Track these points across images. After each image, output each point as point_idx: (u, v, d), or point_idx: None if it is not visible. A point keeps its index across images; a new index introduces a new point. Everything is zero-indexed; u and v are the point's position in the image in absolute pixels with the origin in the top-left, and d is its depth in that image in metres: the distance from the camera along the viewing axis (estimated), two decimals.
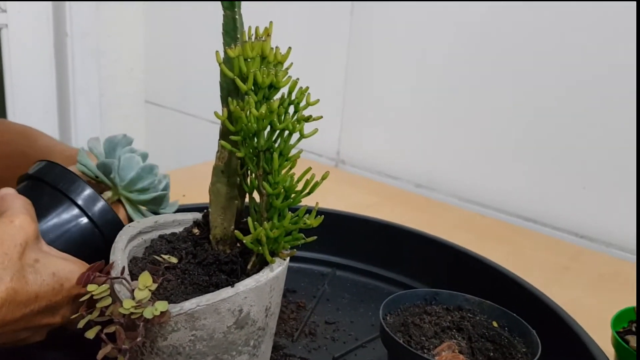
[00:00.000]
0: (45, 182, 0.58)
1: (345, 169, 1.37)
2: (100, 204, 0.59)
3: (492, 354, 0.59)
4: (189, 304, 0.45)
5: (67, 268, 0.51)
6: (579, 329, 0.62)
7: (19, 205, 0.51)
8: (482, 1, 1.09)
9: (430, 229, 0.84)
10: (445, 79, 1.19)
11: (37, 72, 1.42)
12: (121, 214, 0.62)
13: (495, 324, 0.61)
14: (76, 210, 0.58)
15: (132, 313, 0.44)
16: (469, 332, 0.61)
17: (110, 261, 0.49)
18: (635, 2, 0.90)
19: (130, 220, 0.61)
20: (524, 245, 0.99)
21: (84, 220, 0.58)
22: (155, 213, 0.64)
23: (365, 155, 1.35)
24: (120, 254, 0.50)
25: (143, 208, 0.64)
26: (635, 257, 0.95)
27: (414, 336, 0.59)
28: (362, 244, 0.84)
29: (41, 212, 0.55)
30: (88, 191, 0.58)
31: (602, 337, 0.62)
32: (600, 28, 0.97)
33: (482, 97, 1.14)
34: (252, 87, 0.48)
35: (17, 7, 1.35)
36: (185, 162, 1.33)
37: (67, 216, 0.58)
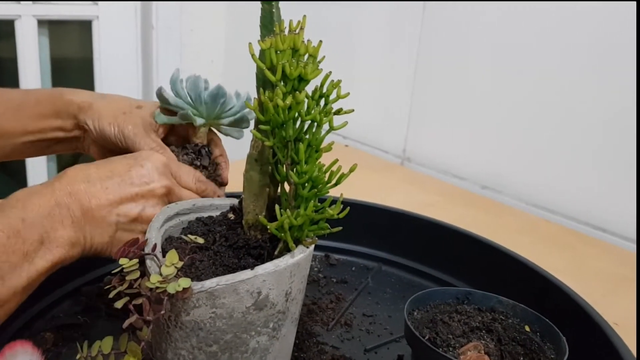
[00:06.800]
0: None
1: (411, 167, 1.36)
2: None
3: (521, 358, 0.57)
4: (210, 283, 0.47)
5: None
6: (611, 332, 0.59)
7: None
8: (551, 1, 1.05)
9: (492, 231, 0.82)
10: (517, 80, 1.16)
11: (124, 62, 1.50)
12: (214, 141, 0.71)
13: (527, 328, 0.59)
14: None
15: (157, 287, 0.47)
16: (499, 334, 0.59)
17: (145, 238, 0.52)
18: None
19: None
20: (587, 253, 0.95)
21: None
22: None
23: (431, 154, 1.33)
24: (155, 232, 0.53)
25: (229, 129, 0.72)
26: None
27: (441, 333, 0.59)
28: (410, 241, 0.83)
29: None
30: None
31: None
32: None
33: (553, 102, 1.10)
34: (282, 79, 0.50)
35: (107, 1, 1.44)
36: None
37: None
